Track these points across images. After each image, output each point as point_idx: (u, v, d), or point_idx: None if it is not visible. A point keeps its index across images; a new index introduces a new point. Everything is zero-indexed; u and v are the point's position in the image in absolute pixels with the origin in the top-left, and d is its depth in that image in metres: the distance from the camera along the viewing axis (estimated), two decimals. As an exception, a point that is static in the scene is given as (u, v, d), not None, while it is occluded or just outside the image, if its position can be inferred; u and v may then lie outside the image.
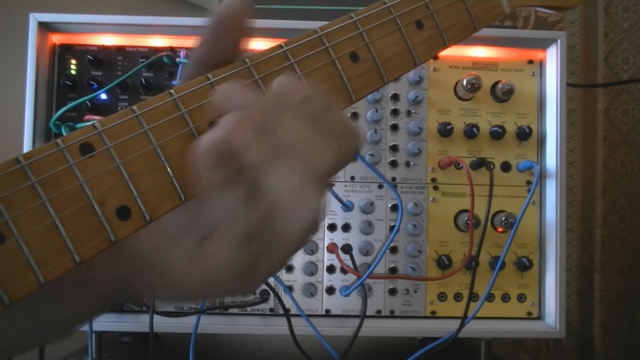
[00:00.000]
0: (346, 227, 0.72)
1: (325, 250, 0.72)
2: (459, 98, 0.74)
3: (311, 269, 0.71)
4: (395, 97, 0.73)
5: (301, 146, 0.28)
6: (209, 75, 0.31)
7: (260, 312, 0.71)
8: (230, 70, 0.31)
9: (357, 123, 0.73)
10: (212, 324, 0.69)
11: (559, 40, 0.72)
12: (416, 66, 0.37)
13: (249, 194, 0.28)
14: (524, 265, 0.72)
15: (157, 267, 0.31)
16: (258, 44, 0.72)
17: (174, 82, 0.70)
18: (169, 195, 0.29)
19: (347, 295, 0.71)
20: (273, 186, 0.28)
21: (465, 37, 0.40)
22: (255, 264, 0.30)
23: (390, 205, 0.73)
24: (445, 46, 0.38)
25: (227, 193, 0.28)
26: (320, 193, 0.29)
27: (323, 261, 0.72)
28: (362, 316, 0.69)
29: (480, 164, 0.72)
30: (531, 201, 0.73)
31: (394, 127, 0.73)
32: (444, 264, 0.72)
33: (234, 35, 0.32)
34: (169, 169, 0.29)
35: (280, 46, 0.32)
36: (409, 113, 0.73)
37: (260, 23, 0.70)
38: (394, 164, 0.73)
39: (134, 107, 0.29)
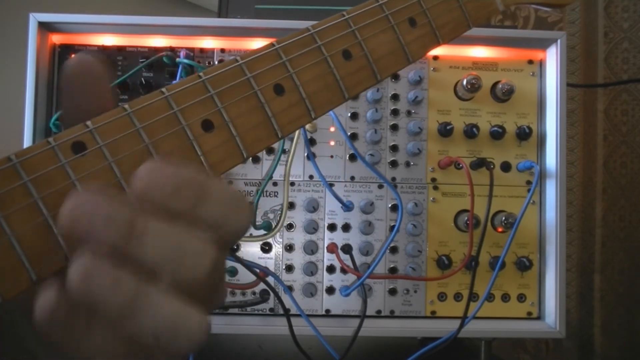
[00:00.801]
0: (346, 227, 0.72)
1: (325, 250, 0.72)
2: (459, 98, 0.74)
3: (311, 269, 0.71)
4: (395, 97, 0.73)
5: (170, 262, 0.25)
6: (201, 74, 0.31)
7: (260, 312, 0.71)
8: (222, 69, 0.31)
9: (356, 123, 0.73)
10: (212, 324, 0.69)
11: (559, 40, 0.72)
12: (409, 64, 0.37)
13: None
14: (524, 265, 0.72)
15: None
16: (258, 44, 0.72)
17: (174, 82, 0.70)
18: None
19: (347, 295, 0.71)
20: (141, 328, 0.24)
21: (458, 34, 0.39)
22: None
23: (390, 205, 0.73)
24: (438, 44, 0.38)
25: (88, 341, 0.25)
26: (206, 294, 0.26)
27: (323, 261, 0.72)
28: (362, 316, 0.69)
29: (480, 164, 0.72)
30: (531, 201, 0.73)
31: (394, 127, 0.73)
32: (444, 264, 0.72)
33: (87, 90, 0.29)
34: None
35: (272, 44, 0.32)
36: (409, 113, 0.73)
37: (260, 23, 0.70)
38: (394, 164, 0.73)
39: (126, 106, 0.29)
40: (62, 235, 0.26)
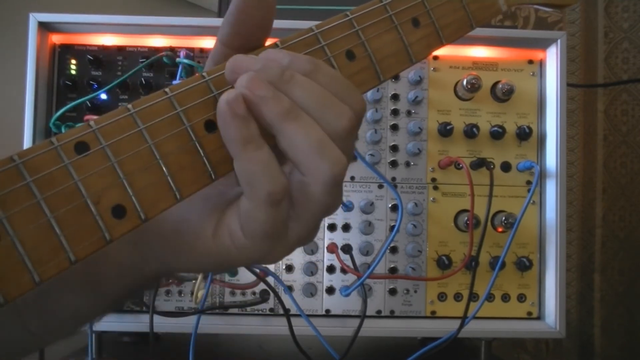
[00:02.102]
0: (346, 227, 0.72)
1: (325, 250, 0.72)
2: (459, 98, 0.74)
3: (311, 269, 0.71)
4: (395, 97, 0.73)
5: (317, 103, 0.29)
6: (204, 74, 0.31)
7: (260, 312, 0.71)
8: (224, 69, 0.31)
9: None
10: (212, 324, 0.69)
11: (559, 40, 0.72)
12: (413, 64, 0.37)
13: (273, 154, 0.29)
14: (524, 265, 0.72)
15: (186, 236, 0.32)
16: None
17: (174, 82, 0.70)
18: (164, 193, 0.29)
19: (347, 295, 0.71)
20: (294, 142, 0.29)
21: (462, 35, 0.39)
22: (282, 226, 0.31)
23: (390, 205, 0.73)
24: (441, 44, 0.38)
25: (252, 152, 0.29)
26: (342, 149, 0.30)
27: (323, 261, 0.72)
28: (362, 316, 0.69)
29: (480, 164, 0.72)
30: (531, 201, 0.73)
31: (394, 127, 0.73)
32: (444, 264, 0.72)
33: (258, 16, 0.32)
34: (164, 168, 0.29)
35: (275, 44, 0.32)
36: (409, 113, 0.73)
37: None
38: (394, 164, 0.73)
39: (129, 106, 0.29)
40: (227, 73, 0.30)
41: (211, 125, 0.30)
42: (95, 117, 0.68)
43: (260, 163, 0.29)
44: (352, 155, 0.33)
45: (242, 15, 0.32)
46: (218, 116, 0.29)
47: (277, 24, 0.71)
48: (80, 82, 0.71)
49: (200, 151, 0.30)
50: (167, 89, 0.29)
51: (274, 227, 0.30)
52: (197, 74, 0.31)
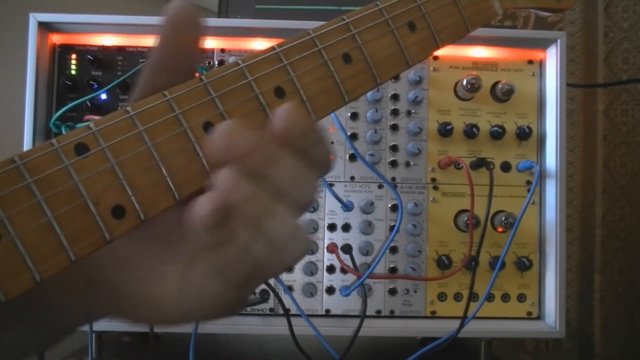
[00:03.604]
0: (346, 227, 0.72)
1: (325, 250, 0.72)
2: (459, 98, 0.74)
3: (311, 269, 0.71)
4: (395, 97, 0.73)
5: (295, 188, 0.29)
6: (202, 77, 0.31)
7: (260, 312, 0.71)
8: (223, 72, 0.31)
9: (356, 123, 0.73)
10: (212, 324, 0.69)
11: (558, 40, 0.72)
12: (409, 67, 0.37)
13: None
14: (523, 265, 0.72)
15: (147, 302, 0.31)
16: (258, 44, 0.72)
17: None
18: (163, 194, 0.29)
19: (347, 295, 0.71)
20: (270, 231, 0.28)
21: (458, 38, 0.40)
22: (245, 292, 0.32)
23: (390, 205, 0.73)
24: (437, 47, 0.38)
25: (224, 245, 0.29)
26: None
27: (323, 261, 0.72)
28: (362, 316, 0.69)
29: (480, 164, 0.72)
30: (531, 201, 0.73)
31: (394, 127, 0.73)
32: (444, 264, 0.72)
33: (188, 35, 0.31)
34: (163, 169, 0.29)
35: (273, 48, 0.33)
36: (409, 113, 0.73)
37: (260, 23, 0.70)
38: (394, 164, 0.73)
39: (128, 108, 0.29)
40: (210, 155, 0.29)
41: (209, 127, 0.30)
42: (95, 117, 0.68)
43: (232, 252, 0.29)
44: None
45: (171, 36, 0.31)
46: (188, 221, 0.28)
47: (274, 24, 0.71)
48: (80, 82, 0.71)
49: (199, 152, 0.30)
50: (166, 92, 0.30)
51: (237, 297, 0.31)
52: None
